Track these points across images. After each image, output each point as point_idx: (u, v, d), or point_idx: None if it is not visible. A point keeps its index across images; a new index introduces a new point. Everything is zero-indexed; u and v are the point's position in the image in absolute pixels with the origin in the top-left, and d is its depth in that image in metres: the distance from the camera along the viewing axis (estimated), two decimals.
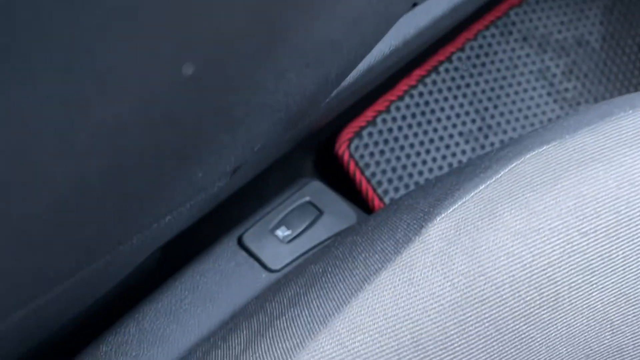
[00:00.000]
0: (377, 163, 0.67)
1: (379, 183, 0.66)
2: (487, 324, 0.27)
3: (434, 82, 0.71)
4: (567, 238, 0.27)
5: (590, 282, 0.27)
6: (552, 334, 0.27)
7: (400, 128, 0.68)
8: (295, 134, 0.34)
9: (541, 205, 0.28)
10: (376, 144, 0.67)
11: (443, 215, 0.28)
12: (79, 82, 0.13)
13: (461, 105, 0.71)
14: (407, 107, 0.69)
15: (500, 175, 0.29)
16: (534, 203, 0.28)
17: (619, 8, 0.81)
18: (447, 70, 0.72)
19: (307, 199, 0.45)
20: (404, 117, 0.69)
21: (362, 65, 0.34)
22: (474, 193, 0.29)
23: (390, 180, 0.67)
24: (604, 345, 0.28)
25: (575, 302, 0.27)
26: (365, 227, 0.33)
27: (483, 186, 0.29)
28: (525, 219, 0.27)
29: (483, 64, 0.74)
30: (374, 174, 0.66)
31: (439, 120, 0.70)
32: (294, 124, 0.29)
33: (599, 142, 0.29)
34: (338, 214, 0.45)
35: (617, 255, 0.27)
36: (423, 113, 0.70)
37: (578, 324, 0.27)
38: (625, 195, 0.28)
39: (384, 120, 0.68)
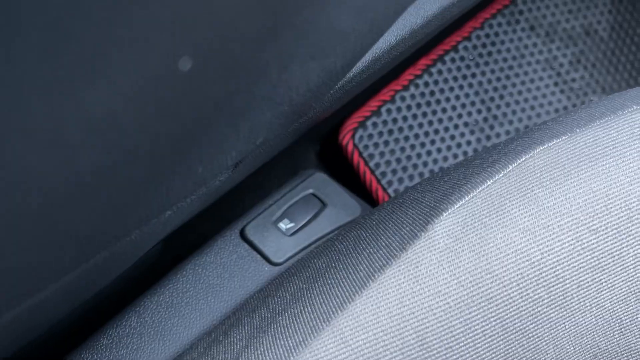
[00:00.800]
0: (382, 154, 0.66)
1: (383, 174, 0.66)
2: (493, 323, 0.26)
3: (440, 72, 0.70)
4: (576, 235, 0.27)
5: (600, 280, 0.26)
6: (559, 332, 0.26)
7: (405, 118, 0.68)
8: (298, 127, 0.33)
9: (550, 201, 0.27)
10: (380, 134, 0.66)
11: (450, 210, 0.28)
12: (66, 70, 0.12)
13: (467, 95, 0.71)
14: (412, 97, 0.68)
15: (508, 169, 0.29)
16: (543, 199, 0.27)
17: None
18: (452, 60, 0.71)
19: (311, 191, 0.44)
20: (408, 107, 0.68)
21: (368, 56, 0.33)
22: (482, 188, 0.28)
23: (394, 171, 0.66)
24: (612, 344, 0.28)
25: (584, 300, 0.26)
26: (369, 221, 0.32)
27: (491, 181, 0.28)
28: (533, 216, 0.27)
29: (489, 53, 0.73)
30: (378, 165, 0.65)
31: (444, 110, 0.69)
32: (298, 116, 0.29)
33: (611, 137, 0.29)
34: (342, 206, 0.44)
35: (628, 253, 0.27)
36: (428, 103, 0.69)
37: (586, 323, 0.27)
38: (637, 191, 0.27)
39: (389, 110, 0.67)
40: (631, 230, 0.27)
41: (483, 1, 0.72)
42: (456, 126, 0.69)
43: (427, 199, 0.30)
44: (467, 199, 0.28)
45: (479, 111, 0.71)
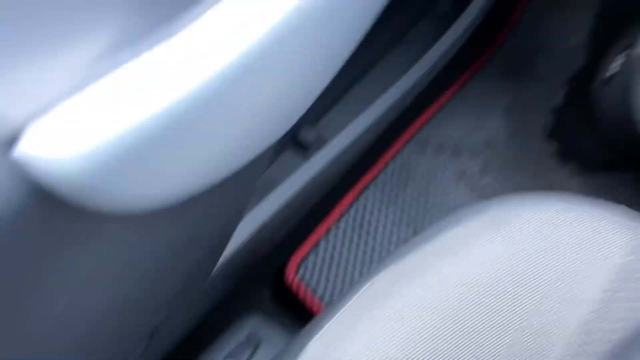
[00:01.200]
0: (327, 280, 0.75)
1: (332, 298, 0.74)
2: None
3: (365, 206, 0.81)
4: (404, 337, 0.36)
5: (443, 350, 0.35)
6: None
7: (342, 245, 0.77)
8: (209, 304, 0.41)
9: (384, 312, 0.37)
10: (323, 263, 0.75)
11: (318, 334, 0.37)
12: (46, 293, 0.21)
13: (394, 214, 0.81)
14: (344, 232, 0.78)
15: (363, 289, 0.39)
16: (377, 312, 0.37)
17: (518, 107, 0.93)
18: (374, 194, 0.82)
19: (247, 332, 0.53)
20: (344, 237, 0.78)
21: (241, 236, 0.43)
22: (344, 309, 0.38)
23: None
24: None
25: None
26: (288, 349, 0.42)
27: (350, 302, 0.38)
28: (370, 327, 0.36)
29: (406, 178, 0.85)
30: (324, 294, 0.74)
31: (376, 232, 0.79)
32: (205, 295, 0.38)
33: (423, 257, 0.39)
34: (274, 341, 0.53)
35: (441, 348, 0.36)
36: (361, 227, 0.79)
37: None
38: (433, 303, 0.37)
39: (326, 244, 0.77)
40: (442, 330, 0.36)
41: (392, 132, 0.85)
42: (390, 243, 0.79)
43: (314, 326, 0.40)
44: (332, 319, 0.38)
45: (408, 225, 0.81)
